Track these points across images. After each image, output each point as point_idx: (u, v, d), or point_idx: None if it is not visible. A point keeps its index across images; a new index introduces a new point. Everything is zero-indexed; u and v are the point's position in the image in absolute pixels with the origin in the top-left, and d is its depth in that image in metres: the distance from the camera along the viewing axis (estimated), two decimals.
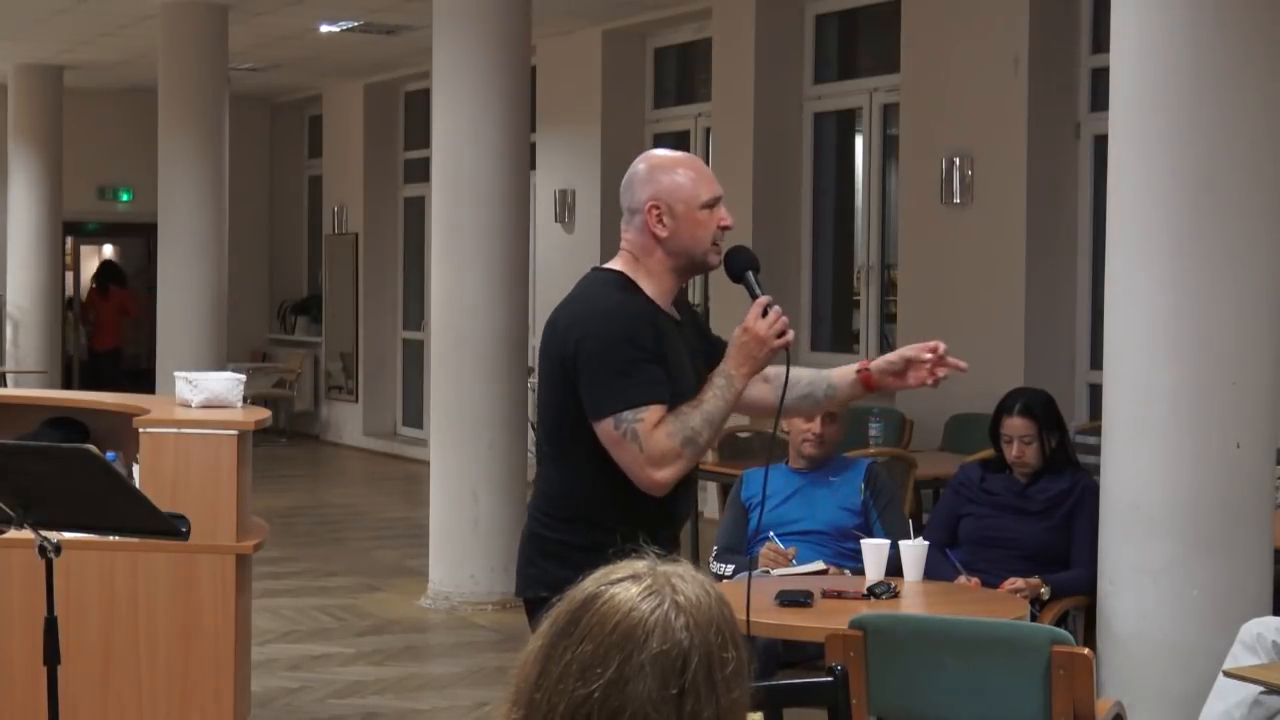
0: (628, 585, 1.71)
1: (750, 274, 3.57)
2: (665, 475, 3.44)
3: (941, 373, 3.68)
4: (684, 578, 1.73)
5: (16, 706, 5.36)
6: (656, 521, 3.49)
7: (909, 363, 3.70)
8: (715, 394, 3.48)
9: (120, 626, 5.48)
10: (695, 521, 8.38)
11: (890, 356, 3.72)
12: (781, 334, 3.49)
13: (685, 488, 3.60)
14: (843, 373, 3.77)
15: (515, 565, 3.73)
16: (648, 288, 3.56)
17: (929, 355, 3.68)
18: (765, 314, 3.49)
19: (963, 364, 3.67)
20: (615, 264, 3.61)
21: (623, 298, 3.53)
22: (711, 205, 3.55)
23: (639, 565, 1.74)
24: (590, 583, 1.73)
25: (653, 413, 3.42)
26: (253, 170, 18.38)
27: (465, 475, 8.85)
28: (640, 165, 3.61)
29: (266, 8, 12.48)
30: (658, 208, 3.53)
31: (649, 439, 3.41)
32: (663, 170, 3.57)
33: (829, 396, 3.79)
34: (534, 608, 3.57)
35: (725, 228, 3.57)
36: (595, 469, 3.48)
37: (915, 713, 4.32)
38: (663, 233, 3.53)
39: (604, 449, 3.46)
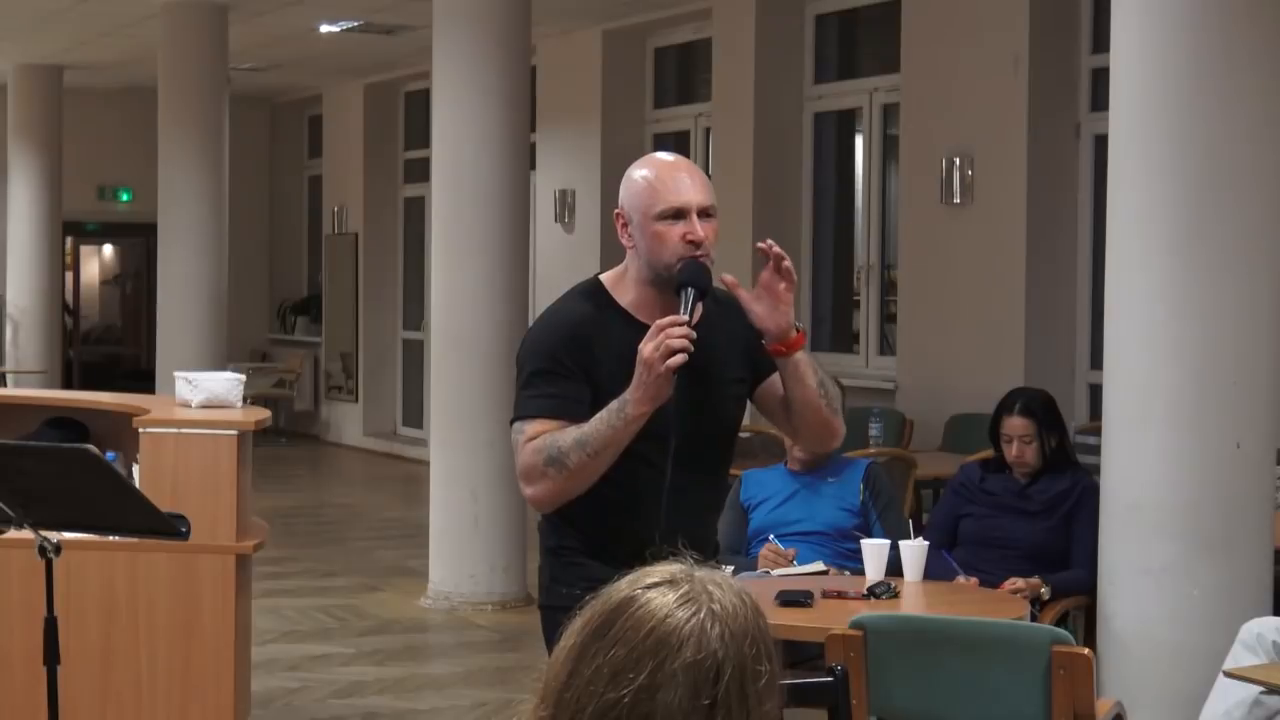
0: (664, 591, 1.68)
1: (686, 292, 3.27)
2: (531, 492, 3.33)
3: (782, 286, 3.31)
4: (720, 585, 1.70)
5: (16, 706, 5.36)
6: (613, 534, 3.34)
7: (761, 298, 3.34)
8: (601, 417, 3.25)
9: (120, 626, 5.47)
10: None
11: (751, 306, 3.35)
12: (671, 355, 3.16)
13: (646, 503, 3.29)
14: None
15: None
16: (626, 296, 3.40)
17: (766, 275, 3.32)
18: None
19: (767, 243, 3.33)
20: (609, 271, 3.49)
21: (570, 307, 3.42)
22: (673, 216, 3.29)
23: (675, 569, 1.71)
24: (625, 585, 1.71)
25: (535, 426, 3.32)
26: (253, 170, 18.38)
27: (465, 475, 8.85)
28: (629, 169, 3.43)
29: (266, 8, 12.48)
30: (622, 216, 3.38)
31: (521, 452, 3.32)
32: (630, 175, 3.38)
33: (790, 385, 3.42)
34: (544, 615, 3.56)
35: (691, 241, 3.28)
36: None
37: (915, 713, 4.32)
38: (628, 243, 3.37)
39: None
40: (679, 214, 3.30)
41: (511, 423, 3.40)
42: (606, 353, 3.34)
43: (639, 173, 3.38)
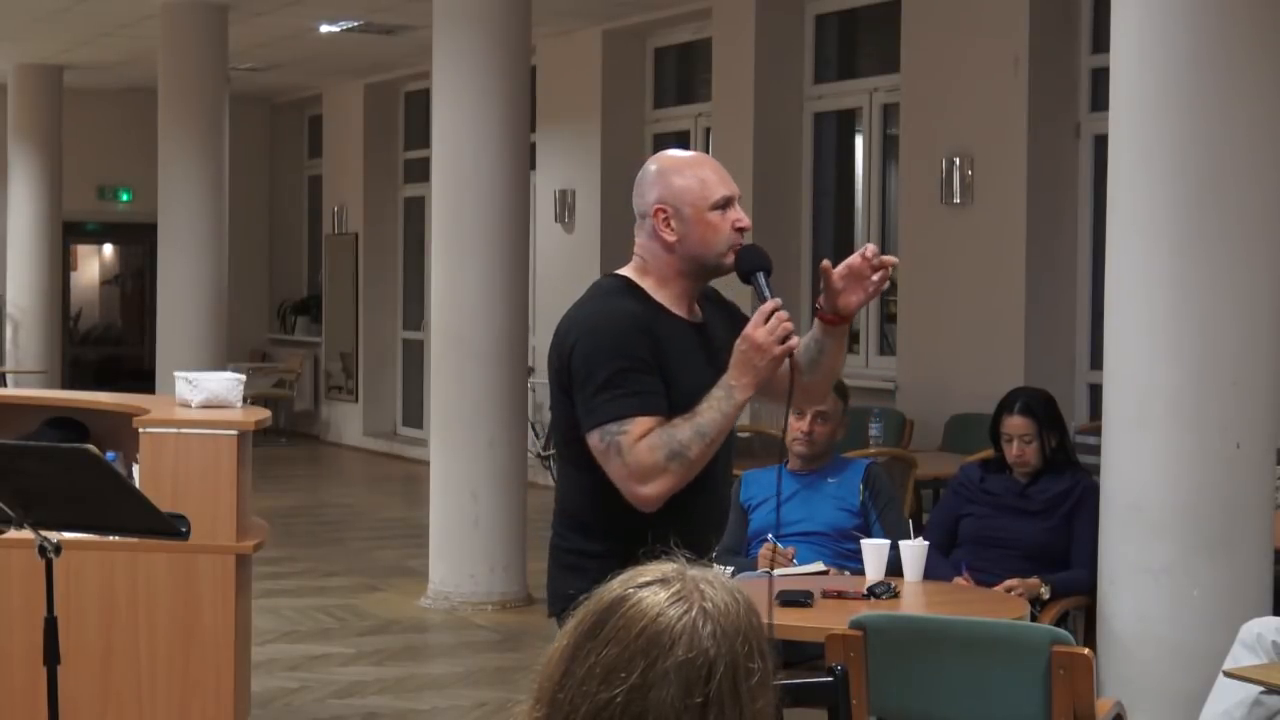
0: (656, 590, 1.69)
1: (760, 276, 3.38)
2: (649, 491, 3.28)
3: (876, 277, 3.43)
4: (713, 584, 1.70)
5: (16, 706, 5.36)
6: (671, 531, 3.34)
7: (846, 280, 3.44)
8: (711, 406, 3.30)
9: (120, 626, 5.47)
10: None
11: (826, 284, 3.47)
12: (785, 340, 3.30)
13: (706, 497, 3.42)
14: (814, 329, 3.57)
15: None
16: (657, 292, 3.42)
17: (860, 262, 3.42)
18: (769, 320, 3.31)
19: (892, 258, 3.44)
20: (625, 269, 3.49)
21: (618, 304, 3.39)
22: (723, 206, 3.39)
23: (668, 569, 1.72)
24: (618, 584, 1.71)
25: (638, 425, 3.28)
26: (253, 170, 18.38)
27: (465, 475, 8.85)
28: (650, 167, 3.46)
29: (266, 8, 12.48)
30: (665, 211, 3.39)
31: (632, 452, 3.27)
32: (671, 171, 3.42)
33: (821, 354, 3.55)
34: (561, 623, 3.51)
35: (741, 229, 3.41)
36: (601, 482, 3.34)
37: (915, 713, 4.32)
38: (671, 237, 3.39)
39: None
40: (727, 203, 3.41)
41: (596, 426, 3.31)
42: (670, 346, 3.37)
43: (682, 169, 3.43)
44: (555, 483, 3.60)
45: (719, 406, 3.31)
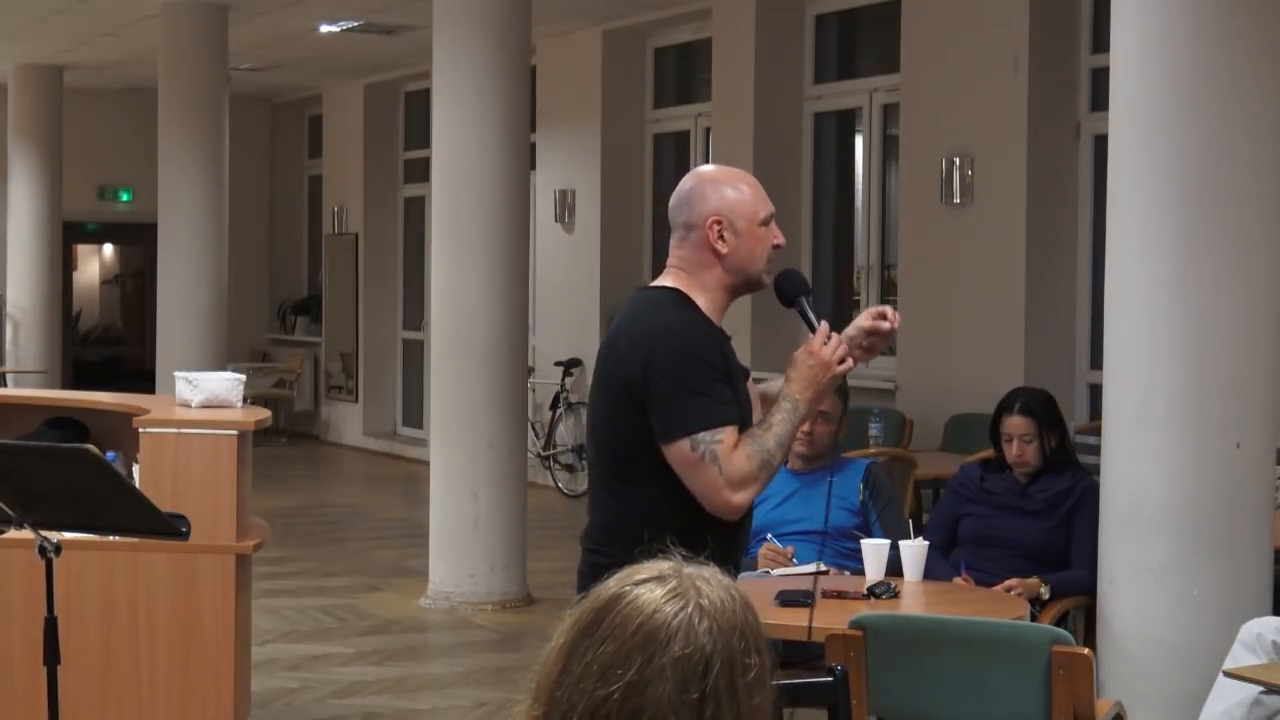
0: (652, 587, 1.70)
1: (803, 300, 3.53)
2: (742, 498, 3.35)
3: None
4: (709, 580, 1.71)
5: (16, 706, 5.36)
6: (725, 549, 3.26)
7: (869, 334, 3.56)
8: (784, 417, 3.41)
9: (120, 626, 5.48)
10: None
11: (851, 333, 3.55)
12: (844, 361, 3.45)
13: (754, 507, 3.53)
14: None
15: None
16: (702, 305, 3.46)
17: (885, 326, 3.54)
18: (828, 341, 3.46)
19: (891, 326, 3.56)
20: (666, 281, 3.50)
21: (686, 315, 3.42)
22: (768, 222, 3.48)
23: (664, 566, 1.73)
24: (614, 582, 1.72)
25: (730, 434, 3.33)
26: (253, 170, 18.38)
27: (465, 475, 8.85)
28: (693, 181, 3.50)
29: (266, 8, 12.48)
30: (720, 223, 3.43)
31: (729, 461, 3.32)
32: (722, 184, 3.48)
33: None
34: None
35: (778, 246, 3.49)
36: (663, 497, 3.35)
37: (915, 713, 4.32)
38: (724, 249, 3.44)
39: (672, 475, 3.33)
40: (770, 219, 3.50)
41: (686, 434, 3.32)
42: (731, 358, 3.46)
43: (733, 183, 3.50)
44: (593, 499, 3.53)
45: (789, 419, 3.43)
